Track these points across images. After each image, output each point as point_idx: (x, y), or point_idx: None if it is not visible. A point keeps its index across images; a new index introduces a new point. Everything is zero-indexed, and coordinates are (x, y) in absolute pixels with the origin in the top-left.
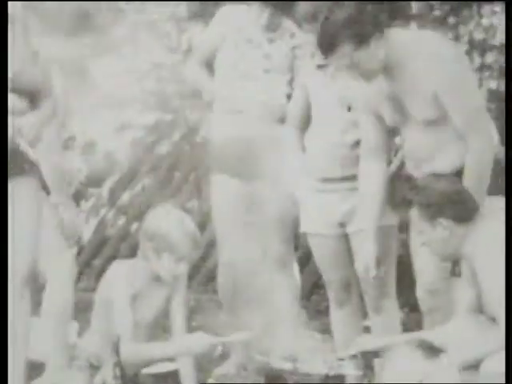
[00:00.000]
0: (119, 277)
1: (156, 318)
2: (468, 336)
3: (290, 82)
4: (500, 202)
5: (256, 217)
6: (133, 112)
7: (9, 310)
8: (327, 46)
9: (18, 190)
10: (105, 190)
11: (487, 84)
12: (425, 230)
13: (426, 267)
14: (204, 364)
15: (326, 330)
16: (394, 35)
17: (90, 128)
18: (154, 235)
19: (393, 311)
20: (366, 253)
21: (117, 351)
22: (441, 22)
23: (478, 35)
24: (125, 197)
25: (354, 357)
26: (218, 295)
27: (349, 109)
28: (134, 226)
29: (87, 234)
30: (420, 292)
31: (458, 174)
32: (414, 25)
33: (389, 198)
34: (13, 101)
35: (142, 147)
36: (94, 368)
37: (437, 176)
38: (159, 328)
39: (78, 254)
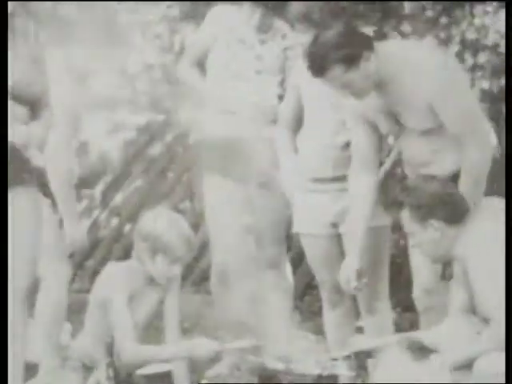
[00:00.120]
0: (116, 278)
1: (150, 319)
2: (460, 337)
3: (282, 83)
4: (494, 202)
5: (249, 217)
6: (125, 113)
7: (9, 312)
8: (317, 68)
9: (18, 199)
10: (97, 191)
11: (479, 84)
12: (416, 231)
13: (422, 267)
14: (197, 365)
15: (319, 331)
16: (382, 49)
17: (83, 129)
18: (149, 237)
19: (385, 311)
20: (347, 264)
21: (110, 352)
22: (433, 23)
23: (471, 35)
24: (117, 198)
25: (347, 357)
26: (210, 296)
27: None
28: (127, 227)
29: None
30: (416, 292)
31: (455, 177)
32: (406, 25)
33: (381, 199)
34: (13, 108)
35: (134, 148)
36: (88, 369)
37: (428, 177)
38: (153, 329)
39: (71, 255)
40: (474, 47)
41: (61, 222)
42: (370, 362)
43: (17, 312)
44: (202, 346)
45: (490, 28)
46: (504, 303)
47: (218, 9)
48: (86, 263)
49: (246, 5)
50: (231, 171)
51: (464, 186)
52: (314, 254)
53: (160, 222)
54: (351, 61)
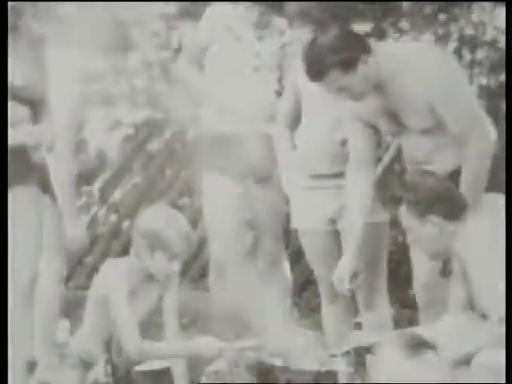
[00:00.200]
0: (115, 275)
1: (149, 315)
2: (459, 332)
3: (280, 80)
4: (493, 198)
5: (247, 214)
6: (123, 110)
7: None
8: (315, 73)
9: (19, 198)
10: (96, 188)
11: (477, 80)
12: (414, 227)
13: (422, 263)
14: (196, 362)
15: (317, 327)
16: (382, 49)
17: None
18: (147, 233)
19: (384, 308)
20: (341, 265)
21: (109, 348)
22: (431, 19)
23: (469, 32)
24: (116, 194)
25: (345, 353)
26: (209, 292)
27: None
28: (126, 223)
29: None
30: (416, 287)
31: (455, 175)
32: (404, 22)
33: (379, 194)
34: (14, 108)
35: (132, 145)
36: (87, 365)
37: (426, 173)
38: (152, 325)
39: (71, 252)
40: (472, 43)
41: (60, 219)
42: (368, 359)
43: (17, 311)
44: (207, 344)
45: (487, 24)
46: (503, 299)
47: (216, 6)
48: (84, 260)
49: (245, 2)
50: (229, 168)
51: (465, 183)
52: (313, 250)
53: (158, 218)
54: (349, 65)
